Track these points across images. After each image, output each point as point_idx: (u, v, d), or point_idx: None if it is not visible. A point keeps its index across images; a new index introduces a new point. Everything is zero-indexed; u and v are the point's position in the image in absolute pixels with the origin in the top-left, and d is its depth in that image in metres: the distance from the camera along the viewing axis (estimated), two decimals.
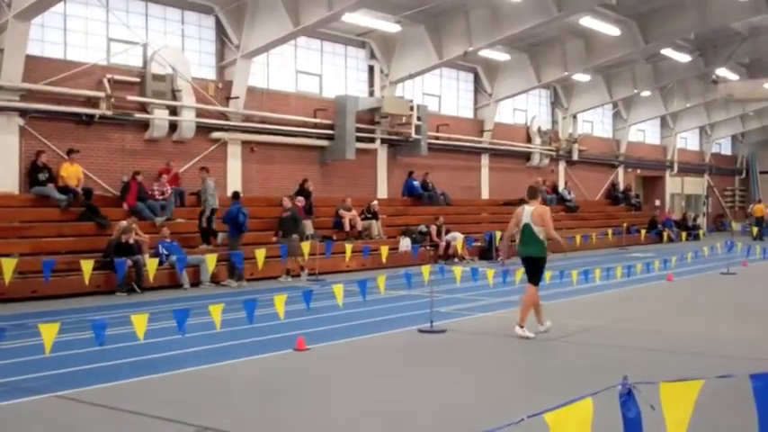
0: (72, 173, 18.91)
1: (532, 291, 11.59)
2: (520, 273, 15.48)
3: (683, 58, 33.23)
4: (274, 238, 20.03)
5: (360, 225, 24.26)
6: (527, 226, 11.68)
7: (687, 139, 49.20)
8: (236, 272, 18.56)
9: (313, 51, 26.20)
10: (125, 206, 19.17)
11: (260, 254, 17.42)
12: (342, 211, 24.02)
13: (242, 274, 18.65)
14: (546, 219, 11.65)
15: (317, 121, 25.36)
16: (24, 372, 8.69)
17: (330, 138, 25.60)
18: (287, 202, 20.91)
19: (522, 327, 11.42)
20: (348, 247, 20.38)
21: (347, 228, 23.71)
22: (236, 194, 19.73)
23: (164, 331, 10.88)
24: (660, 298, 15.06)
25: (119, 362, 9.50)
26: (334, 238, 22.75)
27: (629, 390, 4.27)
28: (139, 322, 8.76)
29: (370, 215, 25.00)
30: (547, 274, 15.10)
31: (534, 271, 11.60)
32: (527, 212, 11.78)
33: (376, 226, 24.83)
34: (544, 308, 11.95)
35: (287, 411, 7.46)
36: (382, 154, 28.16)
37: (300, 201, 22.81)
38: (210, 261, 15.98)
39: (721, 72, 35.72)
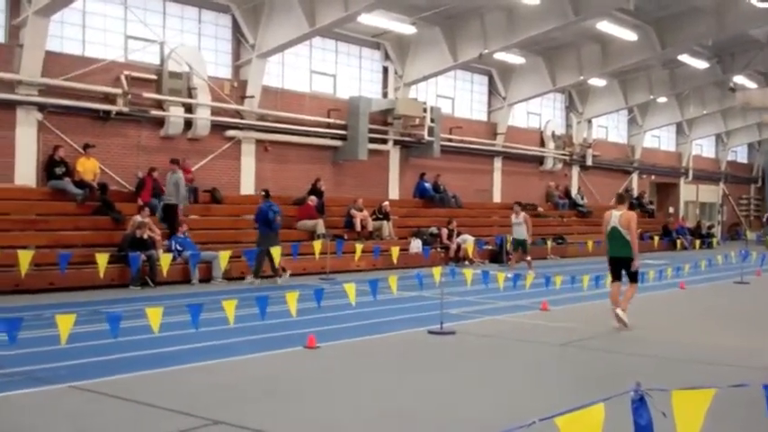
0: (88, 168, 19.09)
1: (635, 288, 12.92)
2: (531, 278, 15.54)
3: (701, 64, 33.12)
4: None
5: (371, 225, 24.31)
6: (615, 229, 12.68)
7: (703, 147, 48.99)
8: (259, 269, 18.61)
9: (328, 52, 26.27)
10: (139, 202, 19.28)
11: (275, 251, 17.58)
12: (353, 211, 24.08)
13: (258, 270, 18.71)
14: (632, 224, 12.65)
15: (331, 121, 25.43)
16: (40, 362, 8.78)
17: (343, 138, 25.67)
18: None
19: (622, 310, 12.57)
20: (359, 247, 20.43)
21: (358, 228, 23.77)
22: (266, 193, 19.66)
23: (176, 325, 10.95)
24: (673, 306, 15.01)
25: (132, 354, 9.59)
26: (346, 237, 22.80)
27: (641, 396, 4.29)
28: (154, 316, 8.84)
29: (381, 216, 25.04)
30: (558, 279, 15.17)
31: (630, 270, 12.71)
32: (615, 217, 12.77)
33: (387, 227, 24.87)
34: (561, 312, 11.95)
35: (297, 408, 7.51)
36: (395, 155, 28.20)
37: (313, 200, 22.90)
38: (224, 258, 16.10)
39: (739, 80, 35.59)
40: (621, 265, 12.85)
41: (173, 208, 19.28)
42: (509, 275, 15.49)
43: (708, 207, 49.75)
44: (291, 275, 19.43)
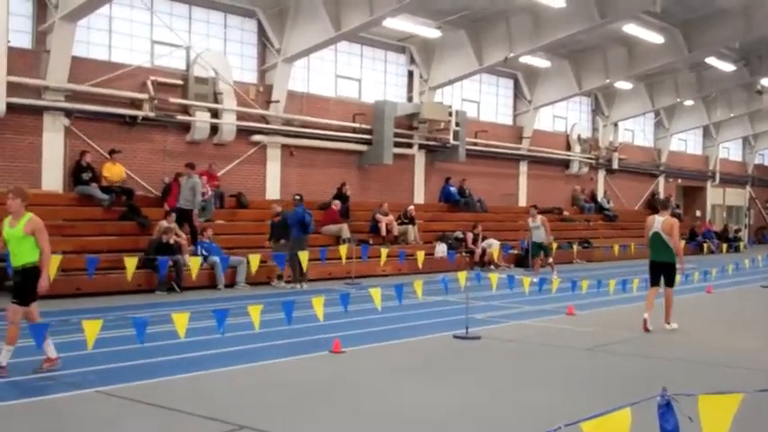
0: (115, 173, 19.26)
1: (670, 292, 13.03)
2: (556, 282, 15.46)
3: (728, 67, 32.80)
4: (266, 243, 19.73)
5: (396, 230, 24.31)
6: (657, 234, 12.88)
7: (730, 150, 48.57)
8: (292, 272, 18.74)
9: (353, 56, 26.33)
10: (166, 207, 19.39)
11: (303, 256, 17.67)
12: (378, 216, 24.08)
13: (288, 274, 18.86)
14: (675, 229, 12.85)
15: (356, 125, 25.48)
16: (68, 367, 8.85)
17: (368, 142, 25.70)
18: (276, 207, 20.14)
19: (668, 323, 12.97)
20: (384, 251, 20.43)
21: (383, 232, 23.77)
22: (300, 197, 19.84)
23: (203, 330, 11.02)
24: (699, 310, 14.88)
25: (158, 359, 9.66)
26: (371, 242, 22.82)
27: (667, 401, 4.26)
28: (180, 321, 8.88)
29: (406, 220, 25.03)
30: (584, 284, 15.09)
31: (670, 274, 12.94)
32: (657, 222, 12.97)
33: (412, 231, 24.86)
34: (587, 317, 11.88)
35: (321, 413, 7.52)
36: (420, 159, 28.19)
37: (337, 204, 22.94)
38: (254, 262, 16.20)
39: (766, 82, 35.24)
40: (662, 270, 12.98)
41: (187, 213, 18.95)
42: (535, 280, 15.43)
43: (735, 210, 49.28)
44: (317, 280, 19.49)
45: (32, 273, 8.62)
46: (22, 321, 8.72)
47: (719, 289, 20.06)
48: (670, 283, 13.01)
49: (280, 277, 19.12)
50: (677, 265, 12.92)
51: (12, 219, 8.75)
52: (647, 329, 12.64)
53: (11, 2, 17.44)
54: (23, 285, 8.64)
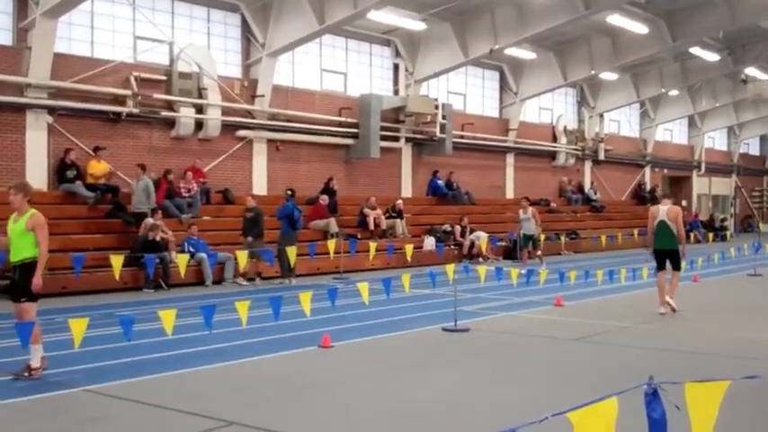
0: (99, 170, 19.13)
1: (677, 275, 13.85)
2: (544, 274, 15.48)
3: (712, 56, 32.90)
4: (241, 240, 19.11)
5: (384, 224, 24.29)
6: (663, 223, 13.59)
7: (715, 139, 48.79)
8: (283, 269, 18.72)
9: (338, 49, 26.26)
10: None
11: (291, 251, 17.65)
12: (366, 210, 24.05)
13: (284, 272, 18.80)
14: (679, 217, 13.75)
15: (342, 119, 25.42)
16: (54, 366, 8.79)
17: (355, 136, 25.65)
18: (250, 201, 19.58)
19: (671, 297, 13.68)
20: (372, 245, 20.41)
21: (371, 226, 23.74)
22: (292, 192, 19.79)
23: (190, 327, 10.97)
24: (686, 299, 14.93)
25: (146, 357, 9.62)
26: (359, 236, 22.79)
27: (654, 390, 4.25)
28: (168, 318, 8.83)
29: (394, 214, 25.02)
30: (572, 275, 15.12)
31: (676, 260, 13.68)
32: (662, 211, 13.69)
33: (400, 225, 24.86)
34: (575, 307, 11.90)
35: (312, 408, 7.50)
36: (407, 153, 28.17)
37: (324, 199, 22.89)
38: (241, 258, 16.16)
39: (750, 71, 35.38)
40: (667, 256, 13.70)
41: (143, 217, 18.26)
42: (523, 272, 15.46)
43: (720, 200, 49.52)
44: (305, 275, 19.46)
45: (30, 268, 8.55)
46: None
47: (706, 278, 20.15)
48: (677, 267, 13.80)
49: (245, 276, 18.56)
50: (683, 251, 13.75)
51: (16, 214, 8.79)
52: (671, 308, 13.54)
53: None
54: (22, 281, 8.54)
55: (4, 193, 17.67)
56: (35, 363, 8.40)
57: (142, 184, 18.61)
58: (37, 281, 8.57)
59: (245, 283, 18.36)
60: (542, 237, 24.59)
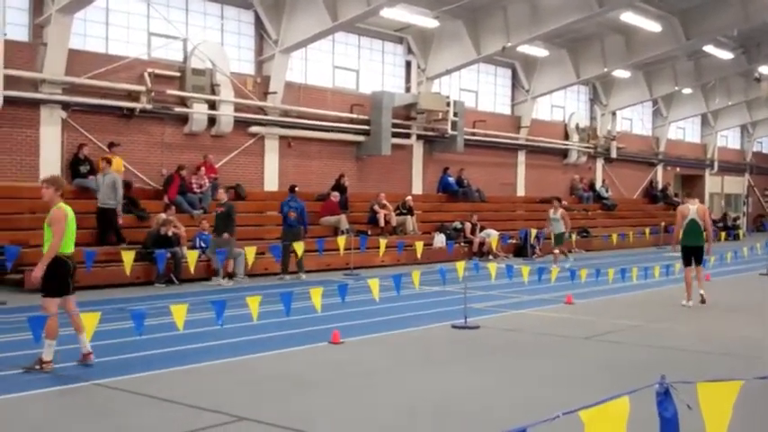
0: (113, 166, 19.16)
1: (701, 269, 14.87)
2: (555, 271, 15.47)
3: (726, 55, 32.75)
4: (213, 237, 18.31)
5: (394, 221, 24.29)
6: (694, 221, 14.41)
7: (728, 138, 48.54)
8: (284, 265, 18.75)
9: (350, 47, 26.26)
10: (166, 199, 19.38)
11: (298, 247, 17.69)
12: (377, 207, 24.06)
13: (285, 268, 18.80)
14: (707, 215, 14.77)
15: (354, 116, 25.43)
16: (66, 360, 8.83)
17: (366, 133, 25.66)
18: (221, 195, 18.53)
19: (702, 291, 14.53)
20: (382, 242, 20.41)
21: (382, 223, 23.76)
22: (293, 188, 19.96)
23: (201, 322, 11.02)
24: (698, 298, 14.89)
25: (157, 351, 9.66)
26: (369, 233, 22.81)
27: (666, 389, 4.25)
28: (179, 312, 8.86)
29: (404, 211, 25.02)
30: (583, 273, 15.09)
31: (702, 256, 14.62)
32: (692, 210, 14.48)
33: (411, 222, 24.86)
34: (586, 306, 11.86)
35: (321, 404, 7.52)
36: (418, 150, 28.16)
37: (335, 196, 22.91)
38: (249, 254, 16.17)
39: (764, 70, 35.18)
40: (695, 253, 14.56)
41: (110, 213, 17.60)
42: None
43: (733, 198, 49.28)
44: (315, 271, 19.49)
45: (59, 267, 8.59)
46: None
47: (718, 277, 20.07)
48: (701, 261, 14.81)
49: (227, 275, 17.84)
50: (709, 247, 14.97)
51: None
52: (704, 301, 14.47)
53: None
54: (45, 275, 8.59)
55: (18, 187, 17.92)
56: (47, 356, 8.45)
57: (109, 179, 17.65)
58: (35, 274, 8.59)
59: (223, 282, 17.50)
60: (572, 236, 26.01)
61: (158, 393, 7.67)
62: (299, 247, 17.97)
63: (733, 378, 4.43)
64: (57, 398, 7.61)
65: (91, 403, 7.43)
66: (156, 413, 7.13)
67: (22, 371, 8.41)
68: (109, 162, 18.25)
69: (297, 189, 20.07)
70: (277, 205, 20.31)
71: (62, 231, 8.57)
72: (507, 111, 32.56)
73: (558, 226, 22.52)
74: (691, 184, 45.43)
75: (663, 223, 34.52)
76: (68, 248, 8.75)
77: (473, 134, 29.75)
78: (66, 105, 18.84)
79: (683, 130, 44.52)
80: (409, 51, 27.71)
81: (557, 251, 22.57)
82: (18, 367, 8.53)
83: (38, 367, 8.40)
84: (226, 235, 17.84)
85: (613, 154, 37.33)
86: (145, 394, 7.64)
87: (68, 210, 8.81)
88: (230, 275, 17.88)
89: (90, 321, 8.32)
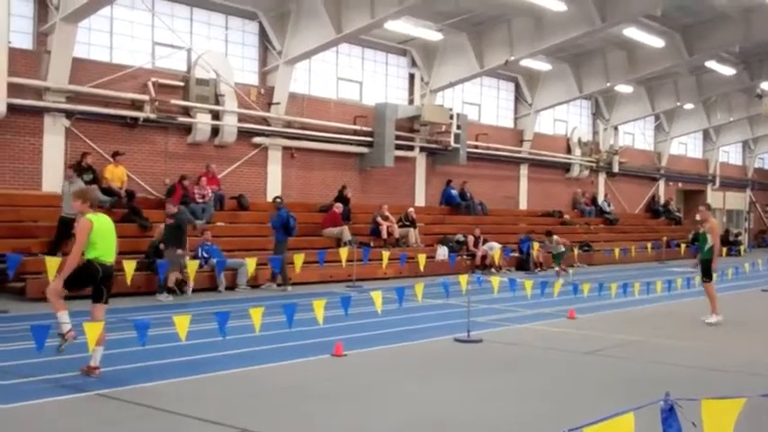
0: (116, 175, 19.25)
1: None
2: (558, 285, 15.47)
3: (728, 71, 32.83)
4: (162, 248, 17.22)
5: (397, 233, 24.29)
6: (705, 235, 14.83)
7: (729, 153, 48.60)
8: (280, 275, 18.68)
9: (354, 58, 26.34)
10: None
11: (298, 258, 17.66)
12: (379, 219, 24.07)
13: (285, 278, 18.76)
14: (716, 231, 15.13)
15: (357, 127, 25.48)
16: (69, 369, 8.83)
17: (369, 145, 25.70)
18: (170, 208, 17.39)
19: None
20: (385, 254, 20.40)
21: (384, 235, 23.75)
22: (281, 200, 20.02)
23: (204, 333, 11.01)
24: (700, 314, 14.87)
25: (160, 362, 9.64)
26: (372, 244, 22.79)
27: (671, 406, 4.25)
28: (182, 323, 8.86)
29: (407, 223, 25.02)
30: (585, 287, 15.08)
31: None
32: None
33: (413, 234, 24.86)
34: (588, 320, 11.83)
35: (324, 416, 7.51)
36: (421, 162, 28.20)
37: (338, 207, 22.92)
38: (250, 264, 16.14)
39: (766, 86, 35.21)
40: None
41: (71, 222, 15.19)
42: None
43: (735, 214, 49.28)
44: (317, 283, 19.50)
45: (82, 269, 8.74)
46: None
47: (720, 293, 19.91)
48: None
49: (169, 290, 16.68)
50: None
51: None
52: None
53: (12, 3, 17.46)
54: (77, 281, 8.84)
55: (21, 195, 17.92)
56: (93, 362, 8.66)
57: (75, 187, 15.28)
58: (54, 285, 8.78)
59: (169, 298, 16.37)
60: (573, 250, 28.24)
61: (160, 404, 7.66)
62: (299, 258, 17.92)
63: (737, 395, 4.43)
64: (59, 408, 7.59)
65: (93, 414, 7.41)
66: (159, 424, 7.12)
67: (80, 373, 8.67)
68: (74, 169, 17.86)
69: (279, 200, 20.12)
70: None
71: (83, 241, 8.67)
72: (510, 124, 32.61)
73: (557, 248, 24.81)
74: (692, 199, 45.37)
75: (665, 238, 34.52)
76: (105, 256, 8.93)
77: (476, 147, 29.78)
78: (69, 114, 18.89)
79: (685, 145, 44.57)
80: (413, 64, 27.79)
81: (557, 269, 23.52)
82: (20, 376, 8.53)
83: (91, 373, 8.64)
84: (180, 251, 16.76)
85: (615, 168, 37.38)
86: (148, 405, 7.63)
87: (98, 219, 8.92)
88: (170, 290, 16.66)
89: (93, 331, 8.30)
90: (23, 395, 7.84)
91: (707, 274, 14.64)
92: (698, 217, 15.35)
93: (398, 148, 26.36)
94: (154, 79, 20.26)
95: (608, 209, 36.52)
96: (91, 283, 8.86)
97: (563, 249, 25.42)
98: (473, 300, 13.39)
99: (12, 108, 17.69)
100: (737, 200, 49.16)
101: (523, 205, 32.89)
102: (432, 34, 25.45)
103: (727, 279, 21.75)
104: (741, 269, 22.73)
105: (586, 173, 35.90)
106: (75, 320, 8.83)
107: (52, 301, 8.72)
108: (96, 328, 8.30)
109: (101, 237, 8.85)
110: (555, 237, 25.64)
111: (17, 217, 17.65)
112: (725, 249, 37.83)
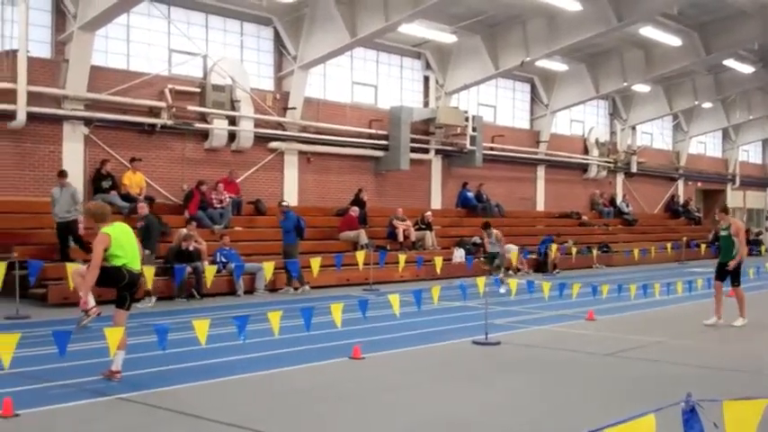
0: (135, 181, 19.37)
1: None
2: (577, 287, 15.41)
3: (746, 69, 32.60)
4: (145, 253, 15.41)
5: (413, 235, 24.27)
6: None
7: (749, 152, 48.25)
8: (296, 279, 18.75)
9: (369, 62, 26.37)
10: (186, 214, 19.48)
11: (315, 262, 17.70)
12: (395, 222, 24.06)
13: (302, 280, 18.83)
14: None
15: (372, 131, 25.50)
16: (90, 374, 8.90)
17: (385, 148, 25.71)
18: (143, 209, 17.27)
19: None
20: (402, 257, 20.40)
21: (401, 238, 23.74)
22: (287, 203, 20.20)
23: (222, 337, 11.05)
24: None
25: (180, 366, 9.68)
26: (388, 248, 22.81)
27: (692, 407, 4.22)
28: (201, 328, 8.91)
29: (423, 226, 25.01)
30: (604, 289, 15.00)
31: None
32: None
33: (430, 237, 24.83)
34: (607, 322, 11.79)
35: (342, 419, 7.52)
36: (437, 165, 28.18)
37: (355, 210, 22.93)
38: (268, 269, 16.18)
39: None
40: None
41: (72, 224, 16.58)
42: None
43: (755, 213, 48.90)
44: (334, 286, 19.53)
45: (106, 276, 8.82)
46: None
47: None
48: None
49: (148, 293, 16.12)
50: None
51: None
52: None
53: (30, 13, 17.62)
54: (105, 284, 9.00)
55: (41, 203, 18.06)
56: (114, 366, 8.75)
57: (69, 192, 16.74)
58: (77, 268, 9.02)
59: (148, 304, 15.95)
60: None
61: (181, 408, 7.69)
62: (316, 262, 17.98)
63: (759, 396, 4.40)
64: (82, 412, 7.64)
65: (115, 418, 7.45)
66: (180, 428, 7.15)
67: (101, 377, 8.75)
68: (65, 175, 17.23)
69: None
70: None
71: (99, 253, 8.70)
72: (526, 125, 32.54)
73: (494, 246, 21.06)
74: (712, 198, 45.09)
75: (684, 238, 34.31)
76: (132, 263, 9.00)
77: (492, 149, 29.73)
78: (88, 121, 19.04)
79: (704, 144, 44.30)
80: (427, 66, 27.79)
81: (498, 274, 20.49)
82: (43, 381, 8.60)
83: (113, 377, 8.72)
84: (147, 252, 15.72)
85: (634, 169, 37.20)
86: (168, 409, 7.67)
87: (114, 230, 8.95)
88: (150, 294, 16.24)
89: (114, 336, 8.36)
90: (46, 399, 7.90)
91: (736, 278, 14.28)
92: (717, 218, 15.00)
93: (414, 150, 26.35)
94: (170, 86, 20.37)
95: (626, 209, 36.35)
96: (115, 285, 8.94)
97: (498, 250, 21.09)
98: (490, 302, 13.36)
99: (31, 116, 17.85)
100: (758, 199, 48.79)
101: (540, 207, 32.79)
102: (446, 37, 25.46)
103: (748, 279, 21.59)
104: (762, 269, 22.57)
105: (604, 173, 35.74)
106: (97, 326, 8.88)
107: (77, 282, 8.97)
108: (117, 332, 8.35)
109: (121, 246, 8.89)
110: (495, 231, 21.16)
111: (38, 224, 17.79)
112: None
